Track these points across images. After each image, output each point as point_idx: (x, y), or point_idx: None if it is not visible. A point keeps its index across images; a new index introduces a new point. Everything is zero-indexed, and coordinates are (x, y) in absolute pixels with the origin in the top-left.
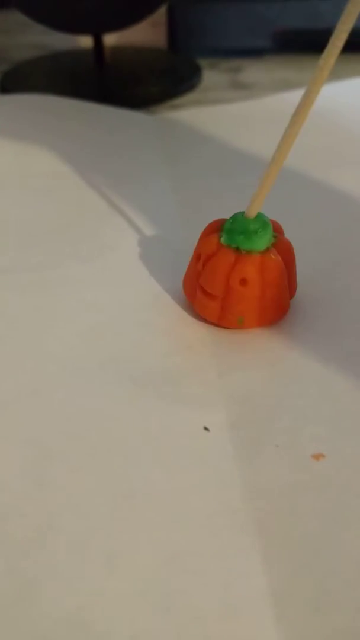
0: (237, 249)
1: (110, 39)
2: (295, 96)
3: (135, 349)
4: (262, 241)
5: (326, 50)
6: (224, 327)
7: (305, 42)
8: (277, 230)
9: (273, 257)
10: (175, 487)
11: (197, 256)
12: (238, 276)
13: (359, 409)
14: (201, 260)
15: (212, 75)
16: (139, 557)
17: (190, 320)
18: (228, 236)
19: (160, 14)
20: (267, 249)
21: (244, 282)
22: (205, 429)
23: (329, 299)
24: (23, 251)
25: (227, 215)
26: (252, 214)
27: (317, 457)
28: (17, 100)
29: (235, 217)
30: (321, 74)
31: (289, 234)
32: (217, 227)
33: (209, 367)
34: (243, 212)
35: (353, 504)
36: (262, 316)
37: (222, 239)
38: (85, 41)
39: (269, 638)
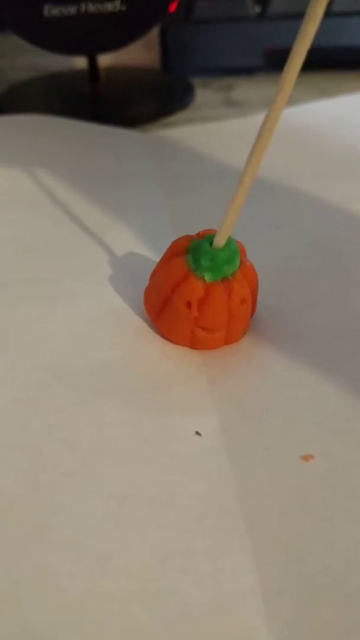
0: (224, 279)
1: (105, 60)
2: (286, 113)
3: (126, 358)
4: (238, 258)
5: (285, 70)
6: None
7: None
8: (242, 250)
9: (247, 263)
10: (167, 489)
11: (186, 305)
12: (237, 300)
13: (348, 411)
14: (194, 307)
15: (204, 94)
16: (131, 557)
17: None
18: (213, 273)
19: (154, 35)
20: (243, 264)
21: (244, 301)
22: (197, 433)
23: (313, 305)
24: (16, 267)
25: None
26: (221, 243)
27: (307, 458)
28: (13, 121)
29: (206, 253)
30: (283, 94)
31: (268, 243)
32: (185, 268)
33: (200, 374)
34: (207, 244)
35: (342, 503)
36: (250, 317)
37: (208, 278)
38: (80, 62)
39: (260, 634)
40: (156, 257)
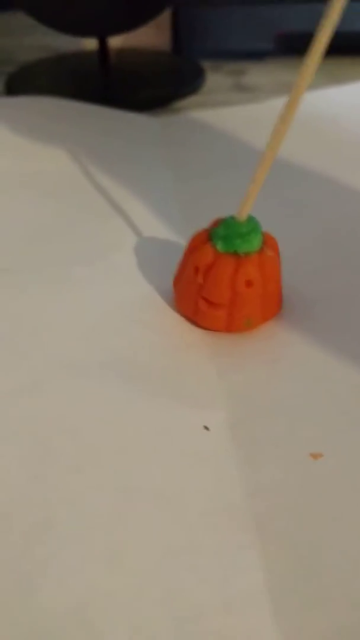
0: (235, 253)
1: (115, 41)
2: (304, 99)
3: (135, 348)
4: (257, 241)
5: (310, 51)
6: (232, 332)
7: (307, 45)
8: (265, 232)
9: (269, 254)
10: (175, 484)
11: (194, 270)
12: (243, 279)
13: (356, 407)
14: (200, 272)
15: (215, 78)
16: (139, 553)
17: (188, 322)
18: (225, 242)
19: (165, 17)
20: (261, 248)
21: (249, 283)
22: (205, 428)
23: (325, 299)
24: (25, 251)
25: (228, 215)
26: (243, 215)
27: (316, 456)
28: (23, 102)
29: (226, 222)
30: (305, 75)
31: (287, 236)
32: (205, 237)
33: (209, 367)
34: (231, 217)
35: (350, 502)
36: (265, 313)
37: (219, 247)
38: (90, 43)
39: (267, 633)
40: (166, 244)
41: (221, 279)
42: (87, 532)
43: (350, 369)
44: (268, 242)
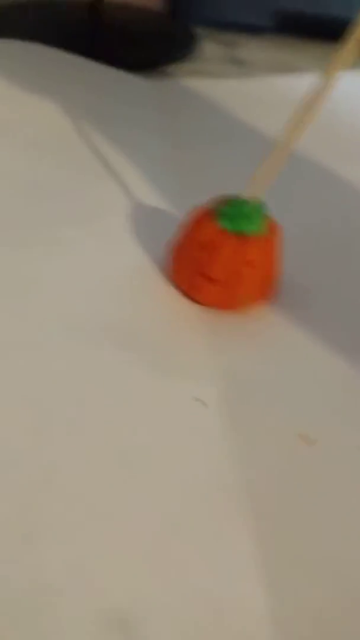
0: (239, 233)
1: None
2: (296, 81)
3: (130, 317)
4: (262, 223)
5: (344, 42)
6: (225, 310)
7: (305, 26)
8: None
9: (273, 237)
10: (169, 455)
11: (196, 245)
12: (243, 259)
13: (344, 393)
14: (202, 248)
15: (209, 47)
16: (136, 521)
17: (180, 294)
18: (231, 221)
19: None
20: (265, 231)
21: (249, 264)
22: (198, 400)
23: (320, 287)
24: (18, 207)
25: (222, 188)
26: (255, 197)
27: (304, 437)
28: (10, 48)
29: (232, 201)
30: (336, 64)
31: (286, 222)
32: (208, 213)
33: (202, 343)
34: (236, 196)
35: (339, 481)
36: (259, 296)
37: (223, 225)
38: None
39: (258, 601)
40: (160, 211)
41: (222, 257)
42: (85, 494)
43: (338, 357)
44: (271, 226)
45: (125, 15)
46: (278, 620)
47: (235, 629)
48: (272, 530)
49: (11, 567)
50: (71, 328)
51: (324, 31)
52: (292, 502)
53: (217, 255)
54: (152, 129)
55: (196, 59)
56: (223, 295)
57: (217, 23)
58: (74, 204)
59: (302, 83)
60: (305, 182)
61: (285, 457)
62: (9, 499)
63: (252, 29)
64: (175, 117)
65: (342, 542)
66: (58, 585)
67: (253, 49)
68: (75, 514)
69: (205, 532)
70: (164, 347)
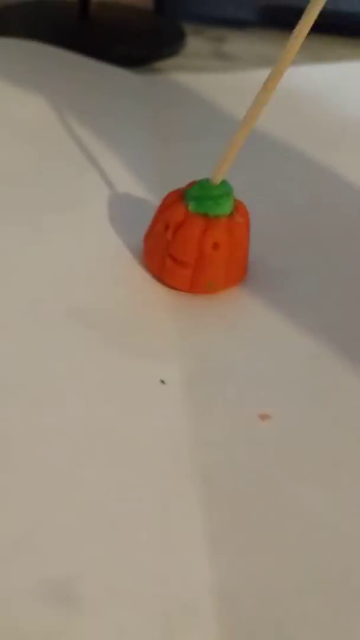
0: (206, 215)
1: None
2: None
3: (100, 300)
4: (229, 205)
5: (299, 24)
6: (195, 293)
7: (290, 20)
8: (236, 200)
9: (239, 220)
10: (127, 431)
11: (164, 226)
12: (210, 241)
13: (308, 375)
14: (170, 230)
15: (195, 42)
16: (87, 492)
17: (154, 279)
18: (196, 203)
19: None
20: (232, 213)
21: (215, 246)
22: (162, 382)
23: (289, 271)
24: (1, 194)
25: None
26: (218, 179)
27: (263, 417)
28: (2, 45)
29: (200, 184)
30: (292, 46)
31: (258, 206)
32: (178, 196)
33: (170, 325)
34: (206, 179)
35: (290, 461)
36: (229, 278)
37: (190, 207)
38: None
39: (203, 574)
40: (139, 201)
41: (189, 239)
42: (45, 468)
43: (305, 339)
44: (239, 208)
45: (114, 13)
46: (223, 592)
47: (180, 600)
48: (222, 507)
49: None
50: (39, 311)
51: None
52: (245, 480)
53: (184, 238)
54: (138, 122)
55: (183, 54)
56: (192, 278)
57: (203, 18)
58: (55, 193)
59: (290, 76)
60: (281, 166)
61: (242, 436)
62: None
63: (238, 23)
64: (162, 111)
65: (291, 520)
66: (5, 551)
67: (238, 43)
68: (27, 482)
69: (158, 507)
70: (131, 329)
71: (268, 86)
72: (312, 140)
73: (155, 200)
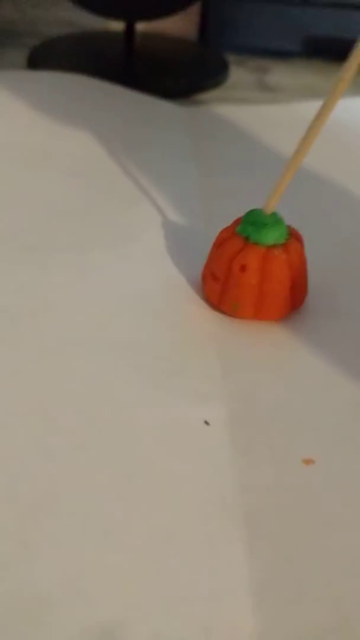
0: (247, 239)
1: (141, 25)
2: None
3: (147, 338)
4: (270, 236)
5: (348, 60)
6: (222, 312)
7: (334, 51)
8: (295, 237)
9: (277, 253)
10: (173, 473)
11: (214, 249)
12: (240, 262)
13: (353, 420)
14: (213, 248)
15: (238, 73)
16: (134, 536)
17: (203, 315)
18: (241, 226)
19: (194, 5)
20: (274, 245)
21: (243, 268)
22: (206, 423)
23: (343, 307)
24: (51, 231)
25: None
26: (268, 209)
27: (307, 462)
28: (47, 78)
29: (253, 210)
30: (342, 82)
31: (311, 238)
32: (234, 223)
33: (215, 363)
34: (259, 209)
35: (334, 508)
36: (258, 308)
37: (237, 228)
38: (115, 23)
39: (247, 623)
40: (184, 234)
41: (223, 256)
42: (88, 509)
43: (350, 384)
44: (291, 247)
45: (158, 44)
46: None
47: None
48: (266, 553)
49: (6, 575)
50: (88, 349)
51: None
52: (289, 526)
53: (221, 254)
54: (182, 154)
55: (226, 85)
56: (220, 293)
57: (247, 49)
58: (102, 229)
59: (337, 107)
60: (333, 198)
61: (286, 481)
62: (10, 508)
63: (282, 54)
64: (205, 143)
65: (336, 569)
66: (51, 597)
67: (281, 73)
68: (74, 525)
69: (201, 552)
70: (176, 368)
71: (318, 121)
72: (357, 171)
73: (198, 235)
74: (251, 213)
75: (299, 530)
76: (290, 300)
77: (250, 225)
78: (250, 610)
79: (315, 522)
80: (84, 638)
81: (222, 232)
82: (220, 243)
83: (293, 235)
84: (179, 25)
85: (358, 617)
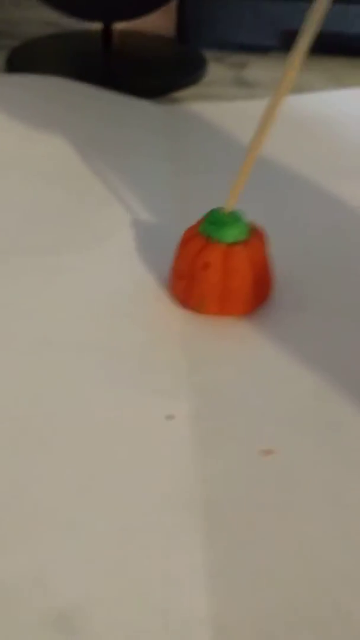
0: (209, 238)
1: (120, 23)
2: (299, 101)
3: (115, 337)
4: (230, 233)
5: (292, 54)
6: (189, 308)
7: (311, 44)
8: (257, 233)
9: (237, 250)
10: (134, 467)
11: (179, 248)
12: (202, 260)
13: (315, 411)
14: (180, 245)
15: (217, 69)
16: (94, 527)
17: (170, 312)
18: (203, 225)
19: (171, 3)
20: (235, 243)
21: (206, 266)
22: (169, 417)
23: (308, 301)
24: (23, 234)
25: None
26: (228, 207)
27: (267, 452)
28: (24, 81)
29: (213, 209)
30: (289, 72)
31: (277, 236)
32: (198, 223)
33: (181, 360)
34: (219, 208)
35: (290, 497)
36: (222, 304)
37: (199, 228)
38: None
39: (202, 606)
40: (155, 233)
41: (186, 254)
42: (53, 504)
43: (311, 376)
44: (252, 244)
45: (137, 42)
46: (219, 624)
47: (178, 632)
48: (222, 541)
49: None
50: (52, 349)
51: (331, 47)
52: (245, 515)
53: (185, 253)
54: (158, 153)
55: (204, 82)
56: (184, 290)
57: (225, 44)
58: (75, 231)
59: (307, 101)
60: (298, 194)
61: (245, 471)
62: None
63: (260, 49)
64: (181, 141)
65: (288, 555)
66: (15, 587)
67: (259, 68)
68: (38, 518)
69: (160, 540)
70: (144, 364)
71: (269, 113)
72: (328, 167)
73: (169, 234)
74: (212, 212)
75: (254, 519)
76: (254, 296)
77: (211, 225)
78: (205, 594)
79: (270, 511)
80: (43, 623)
81: (186, 232)
82: (184, 242)
83: (254, 232)
84: (158, 22)
85: (303, 598)
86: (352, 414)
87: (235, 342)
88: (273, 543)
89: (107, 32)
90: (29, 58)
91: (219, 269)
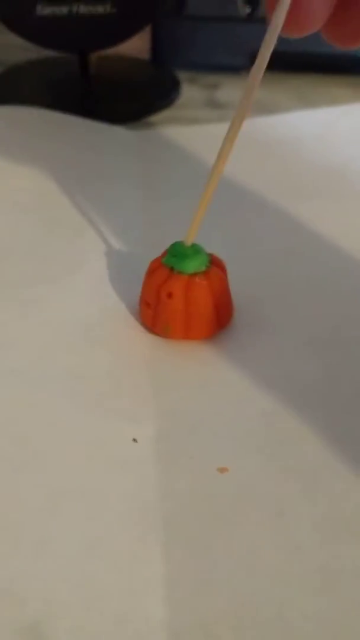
0: (172, 269)
1: None
2: (268, 122)
3: (83, 365)
4: (191, 265)
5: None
6: (156, 334)
7: (280, 64)
8: (217, 263)
9: (198, 280)
10: (100, 487)
11: (146, 278)
12: (166, 290)
13: (267, 430)
14: (147, 274)
15: (190, 91)
16: (61, 544)
17: (138, 338)
18: (166, 257)
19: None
20: (196, 273)
21: (170, 295)
22: (134, 440)
23: (266, 323)
24: None
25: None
26: (188, 241)
27: (223, 470)
28: (3, 113)
29: (175, 242)
30: (248, 94)
31: (237, 261)
32: (164, 253)
33: (147, 384)
34: (181, 241)
35: (243, 511)
36: (187, 329)
37: (163, 260)
38: None
39: (158, 613)
40: (126, 261)
41: (152, 284)
42: (20, 523)
43: (263, 396)
44: (212, 274)
45: (114, 65)
46: (172, 629)
47: (132, 636)
48: (180, 553)
49: None
50: (24, 378)
51: (296, 65)
52: (202, 529)
53: (150, 283)
54: (131, 180)
55: (178, 104)
56: (152, 317)
57: (198, 65)
58: (47, 262)
59: (279, 122)
60: (259, 218)
61: (202, 489)
62: None
63: (232, 69)
64: (155, 167)
65: (237, 563)
66: None
67: (232, 89)
68: (8, 537)
69: (122, 555)
70: (111, 391)
71: (228, 137)
72: (290, 189)
73: (140, 261)
74: (174, 245)
75: (210, 533)
76: (216, 321)
77: (173, 257)
78: (162, 602)
79: (226, 525)
80: (14, 633)
81: (152, 262)
82: (150, 273)
83: (214, 262)
84: (135, 43)
85: (248, 604)
86: (299, 433)
87: (196, 365)
88: (224, 553)
89: (83, 63)
90: (9, 87)
91: (182, 298)
